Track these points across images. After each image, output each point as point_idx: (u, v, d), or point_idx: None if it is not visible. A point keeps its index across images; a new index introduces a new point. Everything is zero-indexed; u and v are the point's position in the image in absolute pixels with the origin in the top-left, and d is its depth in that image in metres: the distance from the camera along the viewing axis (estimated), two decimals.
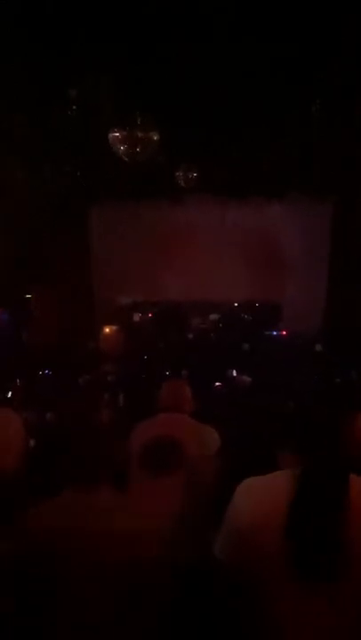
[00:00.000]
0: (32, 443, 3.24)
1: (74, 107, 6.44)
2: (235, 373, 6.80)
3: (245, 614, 1.28)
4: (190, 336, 10.04)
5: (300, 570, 1.20)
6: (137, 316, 10.82)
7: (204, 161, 7.24)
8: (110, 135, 6.19)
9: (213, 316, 10.88)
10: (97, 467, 1.47)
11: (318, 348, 8.13)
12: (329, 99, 5.46)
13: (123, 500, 1.43)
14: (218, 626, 1.29)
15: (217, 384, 6.47)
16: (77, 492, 1.44)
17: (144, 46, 5.06)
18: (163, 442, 1.83)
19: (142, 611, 1.34)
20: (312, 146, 6.48)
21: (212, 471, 1.37)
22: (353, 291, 7.96)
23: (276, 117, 6.02)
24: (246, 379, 6.58)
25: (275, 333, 9.24)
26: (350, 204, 7.74)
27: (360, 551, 1.19)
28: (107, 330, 9.69)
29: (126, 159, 6.29)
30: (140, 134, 6.13)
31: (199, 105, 5.92)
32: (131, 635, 1.34)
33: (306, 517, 1.21)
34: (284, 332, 9.10)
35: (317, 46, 4.80)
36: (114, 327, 9.74)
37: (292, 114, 5.94)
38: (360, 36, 4.60)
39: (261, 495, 1.29)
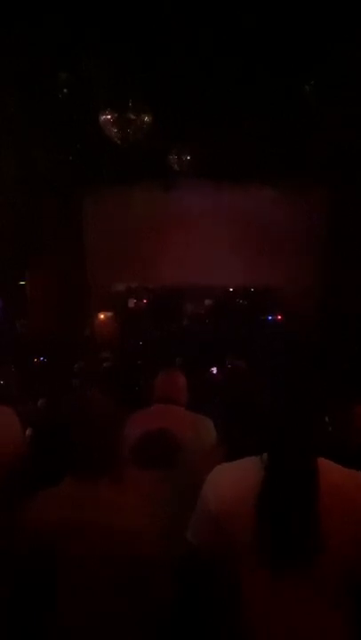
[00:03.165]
0: (28, 432, 3.22)
1: (65, 90, 6.28)
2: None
3: (219, 598, 1.28)
4: (185, 322, 10.02)
5: (271, 555, 1.19)
6: (132, 302, 10.77)
7: (198, 145, 7.12)
8: (102, 118, 6.07)
9: (208, 302, 10.84)
10: (92, 456, 1.44)
11: (313, 334, 8.13)
12: (326, 83, 5.37)
13: (122, 495, 1.41)
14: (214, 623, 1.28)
15: (212, 370, 6.46)
16: (77, 483, 1.42)
17: (139, 32, 4.93)
18: (155, 436, 1.81)
19: (142, 608, 1.33)
20: (309, 130, 6.39)
21: (209, 466, 1.35)
22: (349, 276, 7.93)
23: (273, 102, 5.92)
24: (241, 364, 6.56)
25: (270, 319, 9.24)
26: (347, 188, 7.67)
27: (331, 535, 1.17)
28: (101, 316, 9.65)
29: (118, 142, 6.17)
30: (131, 116, 6.01)
31: (193, 89, 5.81)
32: (130, 631, 1.33)
33: (274, 502, 1.20)
34: (280, 318, 9.10)
35: (316, 30, 4.70)
36: (109, 313, 9.70)
37: (289, 98, 5.84)
38: (359, 21, 4.51)
39: (231, 481, 1.29)
